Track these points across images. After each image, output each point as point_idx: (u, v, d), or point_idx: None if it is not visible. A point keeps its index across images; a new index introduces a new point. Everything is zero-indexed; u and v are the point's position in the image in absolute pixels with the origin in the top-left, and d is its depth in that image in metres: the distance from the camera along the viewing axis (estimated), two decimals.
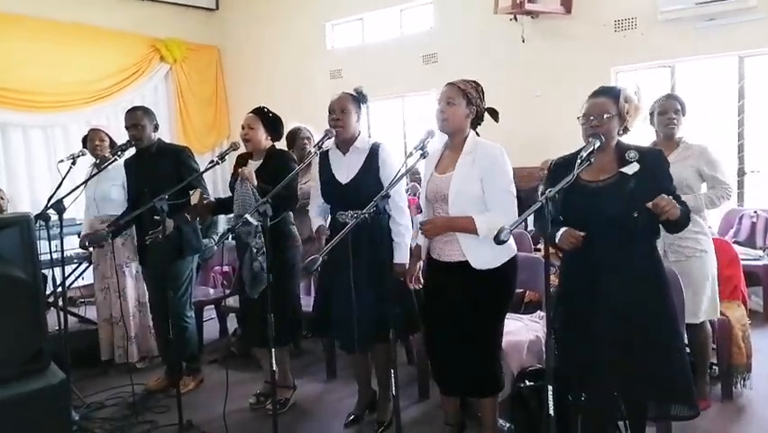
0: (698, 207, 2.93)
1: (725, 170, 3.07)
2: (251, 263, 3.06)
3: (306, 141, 4.08)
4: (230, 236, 3.52)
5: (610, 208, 2.12)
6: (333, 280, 2.87)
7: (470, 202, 2.42)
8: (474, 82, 2.55)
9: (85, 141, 4.06)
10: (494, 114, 2.58)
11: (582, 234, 2.12)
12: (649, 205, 2.02)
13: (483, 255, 2.43)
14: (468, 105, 2.49)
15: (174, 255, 3.45)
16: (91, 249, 3.98)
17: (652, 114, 3.10)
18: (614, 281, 2.16)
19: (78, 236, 4.70)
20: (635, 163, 2.15)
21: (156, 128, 3.58)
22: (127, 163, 3.70)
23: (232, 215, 3.43)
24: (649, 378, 2.17)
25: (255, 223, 2.69)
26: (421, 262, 2.72)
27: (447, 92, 2.49)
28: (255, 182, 3.04)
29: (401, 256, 2.79)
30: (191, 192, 3.15)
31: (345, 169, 2.89)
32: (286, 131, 4.07)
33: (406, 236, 2.83)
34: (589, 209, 2.16)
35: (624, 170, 2.16)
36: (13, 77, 6.23)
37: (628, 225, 2.10)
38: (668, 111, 3.04)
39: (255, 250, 3.05)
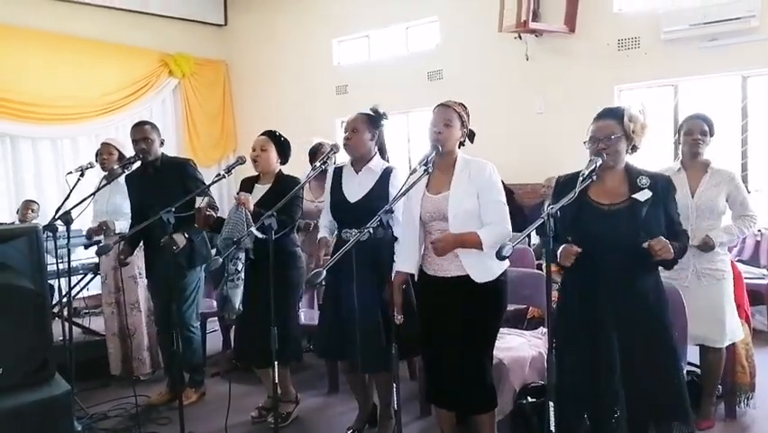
0: (732, 240, 3.04)
1: (747, 194, 3.10)
2: (224, 286, 3.05)
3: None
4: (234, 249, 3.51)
5: (623, 234, 2.14)
6: (340, 299, 2.87)
7: (468, 218, 2.46)
8: (462, 104, 2.58)
9: (98, 154, 4.11)
10: (472, 135, 2.61)
11: (578, 249, 2.13)
12: (645, 245, 2.05)
13: (483, 269, 2.46)
14: (462, 127, 2.53)
15: (185, 266, 3.48)
16: (97, 258, 4.02)
17: (679, 131, 3.12)
18: (615, 302, 2.17)
19: (85, 248, 4.73)
20: (647, 190, 2.17)
21: (162, 143, 3.62)
22: (129, 177, 3.69)
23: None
24: (647, 398, 2.17)
25: (260, 236, 2.71)
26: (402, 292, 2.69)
27: (444, 114, 2.51)
28: (251, 208, 3.05)
29: None
30: (200, 198, 3.18)
31: (356, 188, 2.90)
32: (311, 145, 4.13)
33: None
34: (600, 232, 2.18)
35: (636, 196, 2.18)
36: (23, 89, 6.32)
37: (638, 251, 2.11)
38: (694, 132, 3.03)
39: (227, 274, 3.05)
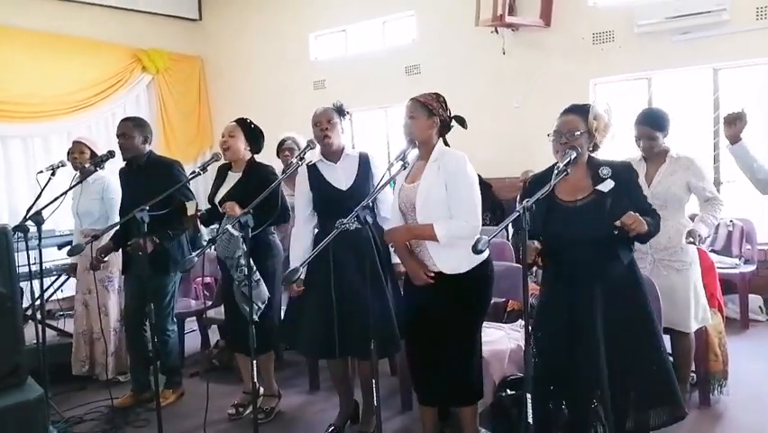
0: (711, 231, 3.06)
1: (711, 178, 3.14)
2: (240, 293, 3.08)
3: (288, 153, 4.07)
4: (211, 247, 3.48)
5: (591, 229, 2.16)
6: (313, 292, 2.86)
7: (436, 209, 2.46)
8: (435, 94, 2.59)
9: (69, 153, 4.03)
10: (461, 121, 2.61)
11: (539, 246, 2.15)
12: (617, 223, 2.07)
13: (452, 260, 2.47)
14: (430, 117, 2.53)
15: (158, 269, 3.43)
16: (70, 260, 3.94)
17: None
18: (592, 294, 2.20)
19: (59, 249, 4.63)
20: (609, 180, 2.19)
21: (146, 140, 3.56)
22: (121, 173, 3.67)
23: (214, 226, 3.44)
24: (633, 388, 2.21)
25: (236, 234, 2.69)
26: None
27: (408, 108, 2.56)
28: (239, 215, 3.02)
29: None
30: (187, 203, 3.14)
31: (342, 176, 2.91)
32: (277, 140, 4.11)
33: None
34: (569, 229, 2.20)
35: (599, 188, 2.21)
36: None
37: (609, 243, 2.13)
38: (641, 137, 3.06)
39: (237, 283, 3.07)
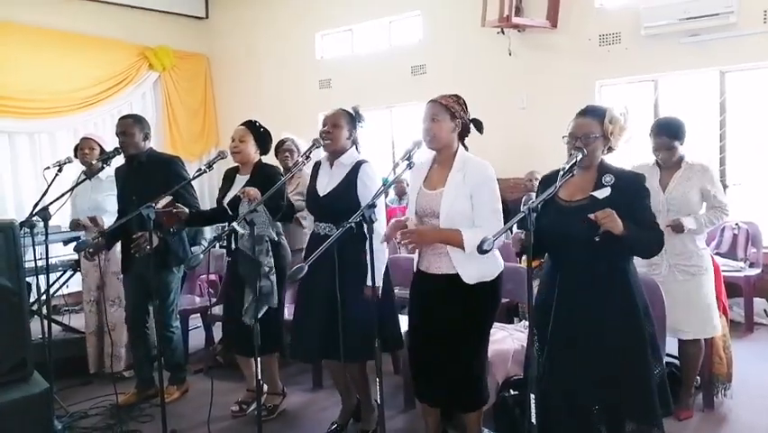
0: (700, 229, 3.04)
1: (721, 187, 3.15)
2: (258, 282, 3.01)
3: (287, 153, 4.07)
4: (217, 245, 3.48)
5: (575, 231, 2.11)
6: (313, 293, 2.87)
7: (461, 219, 2.43)
8: (455, 95, 2.54)
9: (76, 149, 4.04)
10: (478, 125, 2.58)
11: (521, 236, 2.11)
12: (591, 216, 2.02)
13: (473, 270, 2.43)
14: (452, 120, 2.48)
15: (160, 266, 3.44)
16: (77, 255, 3.96)
17: (651, 134, 3.12)
18: (579, 299, 2.16)
19: (64, 244, 4.66)
20: (607, 189, 2.14)
21: (146, 137, 3.56)
22: (117, 170, 3.68)
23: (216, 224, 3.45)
24: (619, 393, 2.16)
25: (242, 231, 2.70)
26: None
27: (430, 109, 2.48)
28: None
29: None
30: (164, 198, 3.10)
31: (327, 181, 2.91)
32: (275, 141, 4.11)
33: (378, 260, 2.67)
34: (558, 228, 2.16)
35: (595, 194, 2.16)
36: (0, 83, 6.19)
37: (596, 248, 2.08)
38: (660, 149, 3.07)
39: (268, 269, 3.04)
